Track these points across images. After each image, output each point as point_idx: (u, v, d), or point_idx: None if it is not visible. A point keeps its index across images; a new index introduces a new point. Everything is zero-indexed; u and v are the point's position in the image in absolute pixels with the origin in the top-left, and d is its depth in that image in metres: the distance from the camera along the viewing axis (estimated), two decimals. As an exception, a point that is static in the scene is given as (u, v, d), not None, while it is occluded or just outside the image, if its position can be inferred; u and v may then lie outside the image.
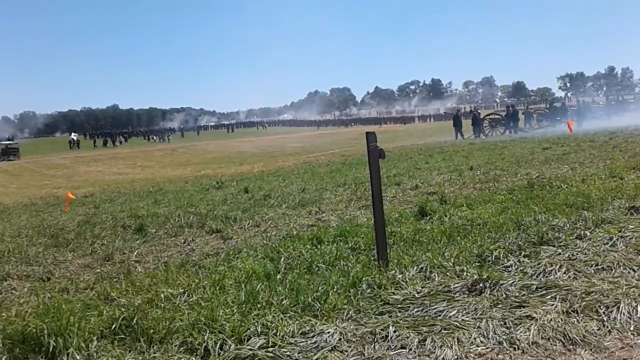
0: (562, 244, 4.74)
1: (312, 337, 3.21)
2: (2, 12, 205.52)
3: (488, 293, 3.73)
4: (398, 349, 3.04)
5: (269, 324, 3.33)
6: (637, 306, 3.29)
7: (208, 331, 3.24)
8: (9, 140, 64.06)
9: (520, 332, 3.11)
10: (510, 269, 4.23)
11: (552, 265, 4.15)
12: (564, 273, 4.01)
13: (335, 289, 3.92)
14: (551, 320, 3.20)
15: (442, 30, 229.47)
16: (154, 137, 73.63)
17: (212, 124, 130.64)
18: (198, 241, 6.67)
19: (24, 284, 5.26)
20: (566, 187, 7.67)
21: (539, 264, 4.23)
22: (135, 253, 6.25)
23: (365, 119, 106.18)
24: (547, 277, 3.98)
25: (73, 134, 71.84)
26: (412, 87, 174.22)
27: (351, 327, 3.30)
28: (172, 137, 73.62)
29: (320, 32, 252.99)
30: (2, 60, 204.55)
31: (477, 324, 3.24)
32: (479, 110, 35.72)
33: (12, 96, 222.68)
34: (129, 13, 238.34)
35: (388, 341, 3.12)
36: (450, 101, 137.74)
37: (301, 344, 3.14)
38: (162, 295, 4.04)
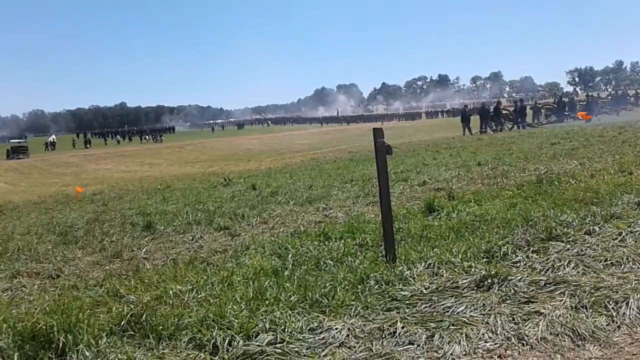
0: (570, 239, 4.72)
1: (320, 333, 3.21)
2: (10, 11, 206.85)
3: (496, 289, 3.72)
4: (406, 345, 3.04)
5: (277, 320, 3.34)
6: (646, 301, 3.28)
7: (216, 327, 3.26)
8: (19, 139, 64.19)
9: (529, 327, 3.10)
10: (518, 264, 4.22)
11: (560, 261, 4.13)
12: (573, 269, 4.00)
13: (343, 285, 3.92)
14: (560, 315, 3.19)
15: (449, 25, 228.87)
16: (147, 137, 71.85)
17: (219, 121, 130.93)
18: (206, 238, 6.69)
19: (33, 282, 5.30)
20: (575, 182, 7.63)
21: (547, 259, 4.22)
22: (143, 250, 6.27)
23: (368, 115, 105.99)
24: (555, 272, 3.97)
25: (53, 135, 69.88)
26: (419, 82, 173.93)
27: (359, 323, 3.30)
28: (164, 137, 71.42)
29: (326, 29, 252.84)
30: (11, 59, 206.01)
31: (486, 320, 3.23)
32: (492, 104, 35.52)
33: (21, 95, 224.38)
34: (137, 11, 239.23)
35: (396, 337, 3.12)
36: (458, 97, 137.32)
37: (309, 340, 3.15)
38: (171, 292, 4.05)
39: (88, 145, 60.46)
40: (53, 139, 62.55)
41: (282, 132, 63.28)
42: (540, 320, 3.16)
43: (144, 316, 3.45)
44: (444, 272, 4.12)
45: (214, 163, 28.45)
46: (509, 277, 3.84)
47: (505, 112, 32.52)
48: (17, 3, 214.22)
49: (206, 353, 3.06)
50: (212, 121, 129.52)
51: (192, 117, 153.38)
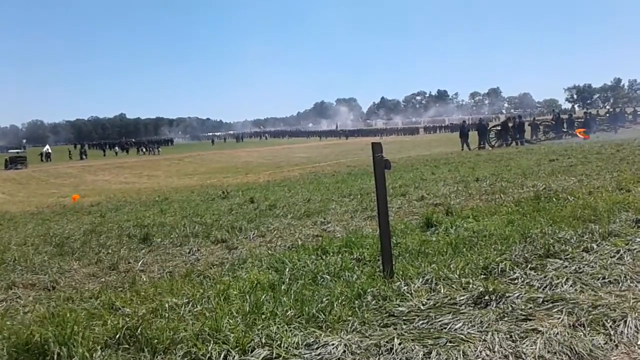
0: (568, 256, 4.71)
1: (317, 348, 3.19)
2: (11, 21, 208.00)
3: (494, 306, 3.70)
4: (403, 362, 3.01)
5: (273, 335, 3.31)
6: (644, 320, 3.26)
7: (212, 342, 3.23)
8: (17, 149, 64.20)
9: (526, 345, 3.08)
10: (516, 281, 4.21)
11: (558, 278, 4.12)
12: (571, 286, 3.98)
13: (340, 300, 3.90)
14: (557, 333, 3.17)
15: (448, 41, 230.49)
16: (143, 149, 71.08)
17: (219, 134, 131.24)
18: (203, 251, 6.67)
19: (29, 293, 5.27)
20: (573, 199, 7.64)
21: (545, 276, 4.21)
22: (140, 262, 6.25)
23: (367, 130, 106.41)
24: (553, 290, 3.95)
25: (47, 146, 69.11)
26: (418, 97, 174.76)
27: (356, 339, 3.28)
28: (161, 149, 70.76)
29: (326, 43, 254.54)
30: (10, 69, 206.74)
31: (483, 337, 3.21)
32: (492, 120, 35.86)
33: (20, 105, 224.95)
34: (138, 23, 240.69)
35: (393, 354, 3.09)
36: (457, 112, 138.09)
37: (305, 355, 3.12)
38: (167, 305, 4.03)
39: (84, 157, 60.29)
40: (48, 150, 62.22)
41: (281, 145, 63.38)
42: (537, 338, 3.14)
43: (139, 329, 3.43)
44: (442, 288, 4.10)
45: (212, 175, 28.47)
46: (507, 294, 3.82)
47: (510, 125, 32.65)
48: (17, 14, 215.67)
49: (201, 367, 3.04)
50: (211, 133, 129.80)
51: (191, 129, 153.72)
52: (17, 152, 54.00)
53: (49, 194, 23.87)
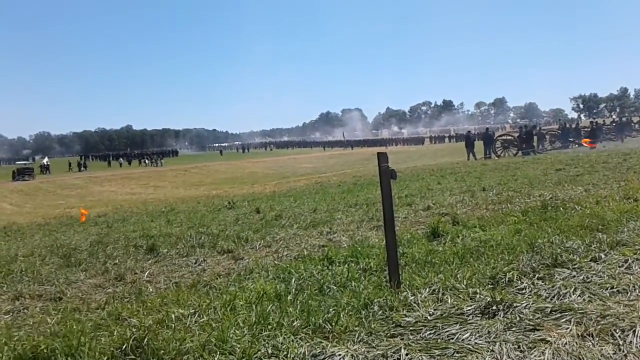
0: (576, 266, 4.67)
1: (323, 359, 3.17)
2: (19, 34, 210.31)
3: (501, 316, 3.67)
4: (410, 372, 2.99)
5: (279, 345, 3.30)
6: (654, 330, 3.23)
7: (218, 352, 3.23)
8: (25, 160, 64.69)
9: (535, 356, 3.05)
10: (524, 291, 4.18)
11: (566, 288, 4.09)
12: (579, 296, 3.95)
13: (346, 311, 3.89)
14: (566, 344, 3.15)
15: (453, 51, 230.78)
16: (146, 161, 70.27)
17: (225, 144, 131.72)
18: (209, 261, 6.67)
19: (36, 304, 5.28)
20: (580, 208, 7.60)
21: (553, 286, 4.18)
22: (146, 273, 6.25)
23: (372, 140, 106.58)
24: (561, 300, 3.92)
25: (46, 158, 68.51)
26: (424, 107, 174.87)
27: (362, 350, 3.26)
28: (165, 160, 70.34)
29: (331, 54, 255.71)
30: (18, 81, 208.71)
31: (491, 348, 3.19)
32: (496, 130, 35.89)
33: (27, 117, 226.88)
34: (145, 36, 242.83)
35: (400, 364, 3.07)
36: (462, 122, 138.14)
37: (312, 366, 3.11)
38: (173, 316, 4.03)
39: (83, 169, 60.38)
40: (46, 162, 62.10)
41: (287, 156, 63.49)
42: (546, 348, 3.11)
43: (146, 340, 3.43)
44: (449, 298, 4.08)
45: (218, 186, 28.54)
46: (515, 304, 3.80)
47: (510, 137, 32.60)
48: (25, 27, 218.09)
49: (208, 378, 3.03)
50: (217, 144, 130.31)
51: (198, 140, 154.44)
52: (25, 164, 54.44)
53: (56, 205, 23.97)
